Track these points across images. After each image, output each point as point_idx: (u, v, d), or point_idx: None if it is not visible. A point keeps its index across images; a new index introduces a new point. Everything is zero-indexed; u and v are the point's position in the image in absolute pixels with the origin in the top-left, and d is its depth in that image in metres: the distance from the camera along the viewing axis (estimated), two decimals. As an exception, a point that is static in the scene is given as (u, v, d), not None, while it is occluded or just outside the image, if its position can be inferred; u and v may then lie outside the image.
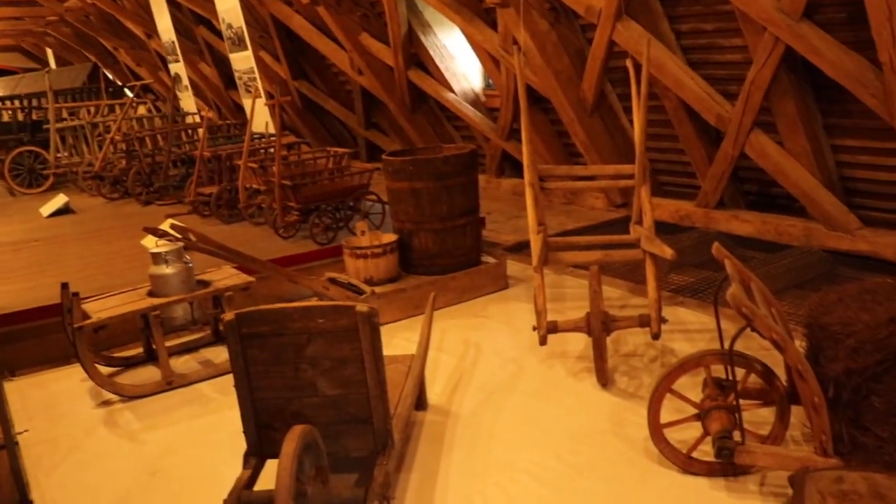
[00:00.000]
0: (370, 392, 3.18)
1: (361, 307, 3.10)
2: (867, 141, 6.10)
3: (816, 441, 3.10)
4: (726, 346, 3.30)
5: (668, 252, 4.23)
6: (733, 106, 6.55)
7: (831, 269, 6.03)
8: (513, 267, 6.49)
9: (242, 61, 11.67)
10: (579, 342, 4.90)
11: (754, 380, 3.46)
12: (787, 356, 3.02)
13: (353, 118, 12.35)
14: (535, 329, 4.50)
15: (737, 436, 3.29)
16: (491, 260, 6.23)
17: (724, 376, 3.47)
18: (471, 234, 6.02)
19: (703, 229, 7.29)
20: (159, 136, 11.07)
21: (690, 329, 5.08)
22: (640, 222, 4.85)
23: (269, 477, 3.03)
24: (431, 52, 9.65)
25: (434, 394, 4.48)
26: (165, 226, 5.39)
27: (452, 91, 9.79)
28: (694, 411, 3.48)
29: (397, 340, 5.31)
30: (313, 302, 4.06)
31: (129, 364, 5.31)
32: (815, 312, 3.31)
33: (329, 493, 3.09)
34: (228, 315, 3.11)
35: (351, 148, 12.10)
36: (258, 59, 11.82)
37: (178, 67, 14.04)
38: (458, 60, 9.85)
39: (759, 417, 3.79)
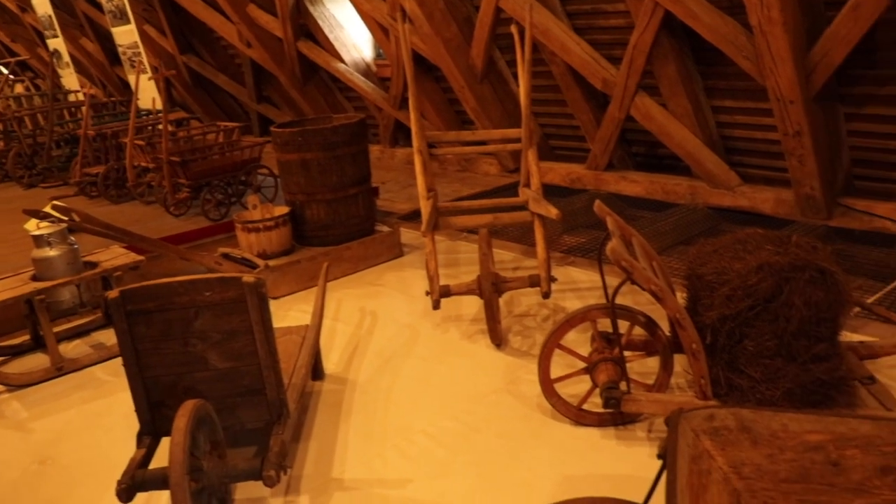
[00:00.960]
0: (262, 363, 3.17)
1: (248, 278, 3.08)
2: (744, 101, 6.34)
3: (696, 385, 3.25)
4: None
5: (553, 212, 4.32)
6: (618, 70, 6.71)
7: (715, 225, 6.27)
8: (407, 235, 6.53)
9: (126, 35, 11.26)
10: (473, 305, 4.98)
11: (639, 331, 3.59)
12: (665, 306, 3.15)
13: (245, 92, 12.10)
14: (428, 294, 4.55)
15: (623, 386, 3.42)
16: (385, 229, 6.24)
17: (610, 330, 3.59)
18: (363, 204, 6.01)
19: (593, 191, 7.47)
20: (39, 116, 10.62)
21: (581, 287, 5.21)
22: (528, 185, 4.94)
23: (165, 455, 2.99)
24: (320, 23, 9.52)
25: (331, 363, 4.49)
26: (48, 207, 5.20)
27: (343, 61, 9.70)
28: (583, 365, 3.60)
29: (293, 312, 5.29)
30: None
31: (16, 352, 5.13)
32: (693, 264, 3.44)
33: (226, 466, 3.08)
34: (112, 293, 3.04)
35: (243, 122, 11.88)
36: (142, 33, 11.42)
37: (56, 43, 13.43)
38: (348, 30, 9.74)
39: (646, 368, 3.94)
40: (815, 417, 2.29)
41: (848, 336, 3.99)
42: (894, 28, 5.05)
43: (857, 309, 4.41)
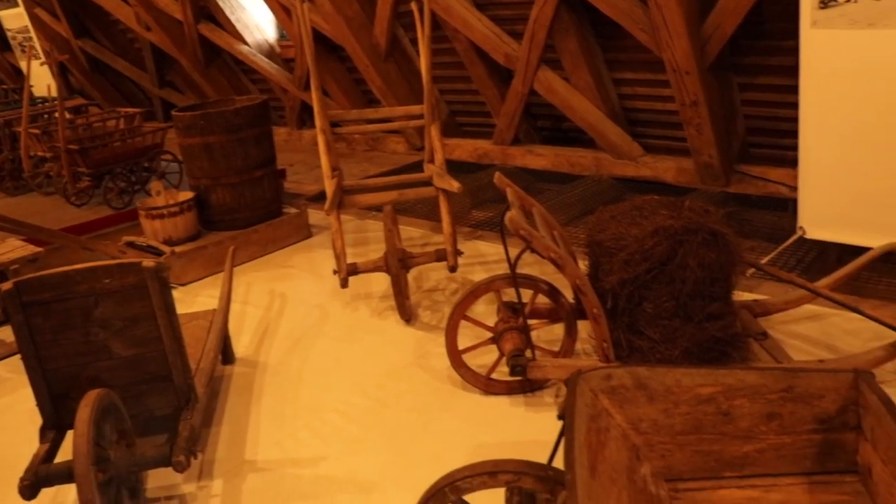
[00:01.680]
0: (167, 348, 3.14)
1: (148, 263, 3.03)
2: (643, 73, 6.46)
3: (599, 349, 3.34)
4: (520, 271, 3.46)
5: (455, 186, 4.37)
6: (520, 45, 6.76)
7: (620, 195, 6.41)
8: (316, 216, 6.47)
9: (15, 19, 10.83)
10: (382, 283, 4.99)
11: (543, 299, 3.66)
12: (565, 273, 3.21)
13: (146, 77, 11.78)
14: (336, 273, 4.54)
15: (529, 353, 3.48)
16: (292, 210, 6.19)
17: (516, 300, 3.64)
18: (269, 186, 5.95)
19: (501, 166, 7.53)
20: (-75, 107, 10.17)
21: (489, 260, 5.28)
22: (432, 161, 4.96)
23: (71, 448, 2.93)
24: (221, 4, 9.31)
25: (241, 346, 4.46)
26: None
27: (246, 43, 9.52)
28: (489, 335, 3.65)
29: (202, 298, 5.22)
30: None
31: None
32: (592, 231, 3.52)
33: (134, 455, 3.04)
34: (6, 284, 2.95)
35: (145, 108, 11.57)
36: (33, 17, 11.00)
37: (-62, 29, 12.83)
38: (250, 11, 9.56)
39: (553, 335, 4.01)
40: (706, 371, 2.38)
41: (743, 295, 4.17)
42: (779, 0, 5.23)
43: (752, 270, 4.58)
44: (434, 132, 4.89)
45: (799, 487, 2.35)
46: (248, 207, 5.84)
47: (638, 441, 2.41)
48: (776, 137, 6.05)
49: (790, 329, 4.01)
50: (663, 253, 3.19)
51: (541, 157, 7.32)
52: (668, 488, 2.40)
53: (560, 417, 2.29)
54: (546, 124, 7.64)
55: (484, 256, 5.36)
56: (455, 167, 7.20)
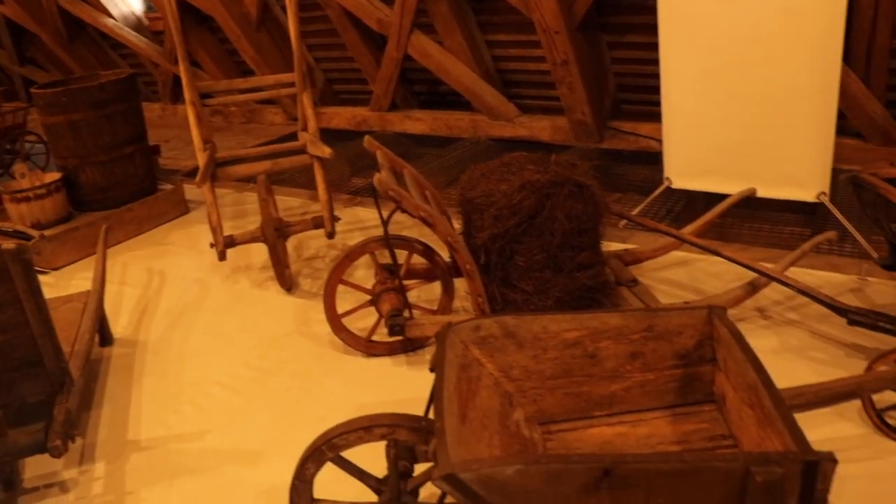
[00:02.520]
0: (35, 332, 3.03)
1: (8, 245, 2.91)
2: (515, 35, 6.54)
3: (474, 304, 3.41)
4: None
5: (326, 152, 4.36)
6: (392, 10, 6.74)
7: (497, 156, 6.44)
8: (193, 191, 6.31)
9: None
10: (262, 254, 4.94)
11: (419, 260, 3.70)
12: (436, 231, 3.26)
13: (3, 54, 11.19)
14: (212, 246, 4.48)
15: (407, 313, 3.53)
16: (168, 187, 6.04)
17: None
18: (141, 163, 5.77)
19: (380, 132, 7.52)
20: None
21: (369, 226, 5.30)
22: (306, 129, 4.92)
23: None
24: (81, -25, 8.94)
25: (119, 326, 4.36)
26: None
27: (111, 16, 9.15)
28: (368, 298, 3.68)
29: (77, 281, 5.05)
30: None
31: None
32: (464, 189, 3.58)
33: (6, 445, 2.94)
34: None
35: (4, 87, 11.00)
36: None
37: None
38: (113, -17, 9.20)
39: (433, 294, 4.06)
40: (571, 316, 2.47)
41: (615, 245, 4.32)
42: (640, -43, 5.39)
43: (623, 221, 4.75)
44: (306, 100, 4.85)
45: (663, 420, 2.48)
46: (120, 185, 5.66)
47: (510, 388, 2.49)
48: (646, 94, 6.24)
49: (659, 275, 4.19)
50: (531, 206, 3.27)
51: (419, 122, 7.35)
52: (542, 431, 2.49)
53: (432, 370, 2.34)
54: (423, 89, 7.67)
55: (363, 222, 5.37)
56: (334, 135, 7.17)
